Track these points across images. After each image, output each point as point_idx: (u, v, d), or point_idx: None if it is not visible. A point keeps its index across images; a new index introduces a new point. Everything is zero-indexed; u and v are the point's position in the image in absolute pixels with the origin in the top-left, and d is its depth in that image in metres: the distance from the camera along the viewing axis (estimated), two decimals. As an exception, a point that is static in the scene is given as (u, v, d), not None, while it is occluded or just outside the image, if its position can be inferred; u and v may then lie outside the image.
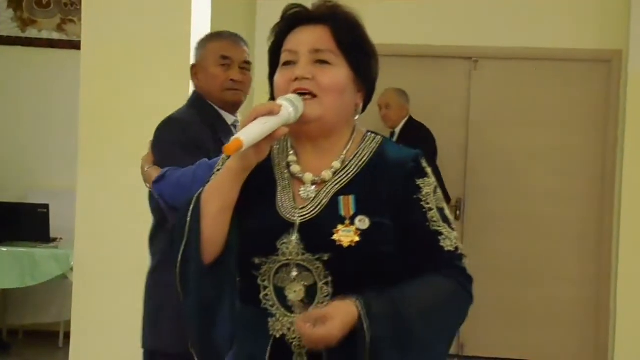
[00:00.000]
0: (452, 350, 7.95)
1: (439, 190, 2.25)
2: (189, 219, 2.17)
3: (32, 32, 8.12)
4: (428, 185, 2.23)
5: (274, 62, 2.29)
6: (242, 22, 7.59)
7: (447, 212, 2.24)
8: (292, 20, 2.28)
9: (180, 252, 2.18)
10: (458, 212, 8.02)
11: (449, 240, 2.20)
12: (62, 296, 7.25)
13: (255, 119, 2.09)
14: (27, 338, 7.94)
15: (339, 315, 2.05)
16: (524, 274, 7.97)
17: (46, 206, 7.48)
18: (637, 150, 7.60)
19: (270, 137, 2.11)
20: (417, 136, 7.35)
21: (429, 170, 2.25)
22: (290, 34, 2.26)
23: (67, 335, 6.22)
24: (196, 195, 2.20)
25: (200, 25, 4.84)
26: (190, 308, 2.22)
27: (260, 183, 2.22)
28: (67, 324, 6.26)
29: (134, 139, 4.55)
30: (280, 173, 2.26)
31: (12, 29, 8.13)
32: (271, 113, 2.10)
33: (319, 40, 2.22)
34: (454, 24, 7.99)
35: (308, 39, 2.23)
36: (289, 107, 2.13)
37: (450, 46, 8.02)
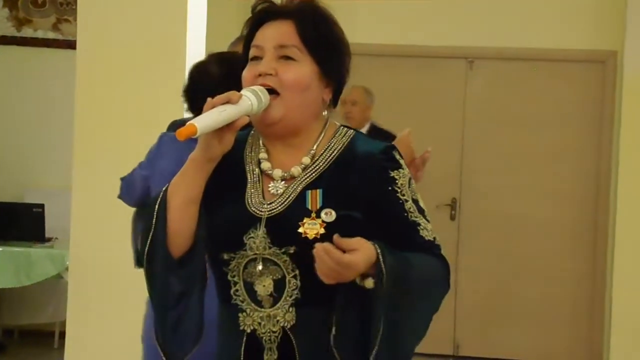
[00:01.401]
0: (447, 351, 7.96)
1: (412, 182, 2.25)
2: (155, 211, 2.17)
3: (27, 32, 8.12)
4: (403, 176, 2.22)
5: (246, 58, 2.29)
6: (237, 23, 7.58)
7: (422, 203, 2.24)
8: (260, 16, 2.27)
9: (147, 245, 2.18)
10: (453, 212, 8.03)
11: (426, 230, 2.21)
12: (57, 296, 7.24)
13: (213, 107, 2.09)
14: (22, 338, 7.94)
15: (364, 248, 2.04)
16: (519, 273, 7.98)
17: (41, 206, 7.47)
18: (632, 151, 7.61)
19: (231, 126, 2.12)
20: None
21: (402, 161, 2.25)
22: (259, 29, 2.26)
23: (62, 335, 6.21)
24: (164, 188, 2.20)
25: (196, 26, 4.84)
26: (156, 301, 2.22)
27: (231, 179, 2.23)
28: (63, 324, 6.25)
29: (129, 139, 4.57)
30: (251, 170, 2.26)
31: (7, 29, 8.13)
32: (229, 102, 2.10)
33: (283, 36, 2.22)
34: (449, 25, 8.00)
35: (273, 35, 2.23)
36: (251, 97, 2.13)
37: (446, 47, 8.02)
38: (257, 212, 2.19)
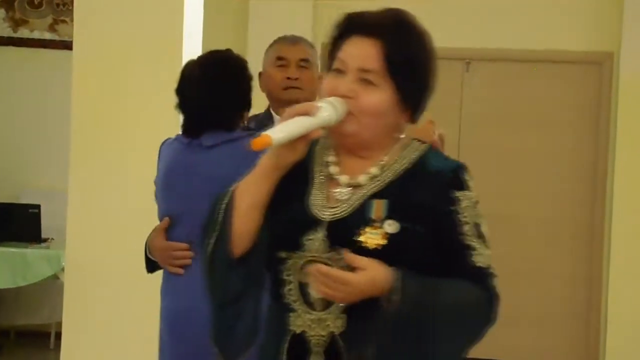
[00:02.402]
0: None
1: (478, 206, 2.25)
2: (222, 212, 2.18)
3: (24, 32, 8.12)
4: (468, 198, 2.22)
5: (331, 59, 2.26)
6: (233, 22, 7.59)
7: (485, 229, 2.23)
8: (348, 27, 2.24)
9: (211, 244, 2.19)
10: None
11: (481, 256, 2.20)
12: (53, 297, 7.23)
13: (291, 117, 2.09)
14: (18, 339, 7.94)
15: (371, 269, 2.06)
16: (515, 274, 7.97)
17: (37, 206, 7.48)
18: (629, 152, 7.62)
19: (305, 138, 2.11)
20: None
21: (470, 183, 2.24)
22: (346, 40, 2.23)
23: (58, 336, 6.21)
24: (231, 189, 2.21)
25: (193, 26, 4.84)
26: (215, 299, 2.23)
27: (296, 179, 2.22)
28: (59, 324, 6.25)
29: (126, 140, 4.57)
30: (318, 171, 2.25)
31: (3, 29, 8.13)
32: (308, 114, 2.10)
33: (367, 58, 2.18)
34: (446, 26, 7.98)
35: (357, 55, 2.19)
36: (329, 109, 2.12)
37: (442, 48, 7.89)
38: (319, 215, 2.18)
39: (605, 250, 7.80)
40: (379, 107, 2.18)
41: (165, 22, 4.72)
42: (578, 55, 7.90)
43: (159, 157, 3.57)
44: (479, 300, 2.19)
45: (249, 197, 2.17)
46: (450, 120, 8.06)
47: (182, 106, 3.50)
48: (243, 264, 2.18)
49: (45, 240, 7.49)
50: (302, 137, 2.10)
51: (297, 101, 3.66)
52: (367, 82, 2.18)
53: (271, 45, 3.81)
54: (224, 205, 2.19)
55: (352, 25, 2.24)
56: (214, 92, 3.45)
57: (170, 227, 3.49)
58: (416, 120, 2.32)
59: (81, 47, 4.81)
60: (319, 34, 7.36)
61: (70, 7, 7.25)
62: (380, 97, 2.18)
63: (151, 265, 3.53)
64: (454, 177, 2.22)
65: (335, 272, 2.06)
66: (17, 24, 8.12)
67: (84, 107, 4.77)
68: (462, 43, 7.95)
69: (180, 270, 3.45)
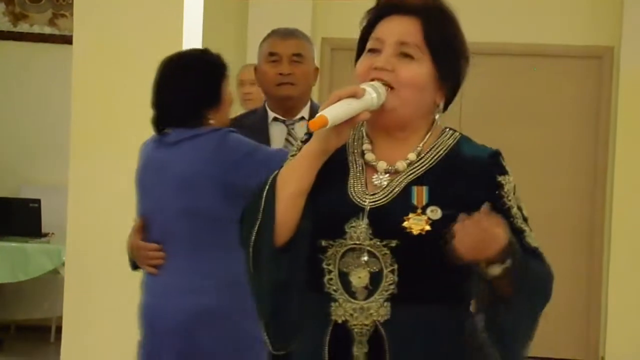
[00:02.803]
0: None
1: (517, 190, 2.25)
2: (263, 201, 2.17)
3: (23, 27, 8.11)
4: (509, 182, 2.23)
5: (361, 47, 2.26)
6: (234, 17, 7.58)
7: (525, 211, 2.25)
8: (385, 8, 2.25)
9: (254, 234, 2.17)
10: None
11: (531, 238, 2.21)
12: (53, 291, 7.23)
13: (338, 100, 2.09)
14: (18, 333, 7.94)
15: (504, 226, 2.05)
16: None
17: (38, 201, 7.48)
18: (629, 147, 7.63)
19: (351, 121, 2.11)
20: None
21: (509, 168, 2.25)
22: (381, 21, 2.23)
23: (58, 331, 6.22)
24: (271, 177, 2.19)
25: (193, 20, 4.84)
26: (261, 290, 2.22)
27: (333, 168, 2.20)
28: (59, 319, 6.26)
29: (126, 135, 4.57)
30: (354, 160, 2.25)
31: (3, 24, 8.12)
32: (355, 96, 2.10)
33: (406, 33, 2.20)
34: (446, 20, 7.99)
35: (396, 30, 2.20)
36: (372, 92, 2.13)
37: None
38: (361, 202, 2.17)
39: (606, 244, 7.81)
40: (418, 79, 2.19)
41: (165, 16, 4.72)
42: (578, 49, 7.90)
43: (139, 158, 3.58)
44: (548, 277, 2.22)
45: (293, 183, 2.16)
46: (449, 115, 8.03)
47: (153, 103, 3.51)
48: (284, 254, 2.17)
49: (45, 234, 7.49)
50: (348, 120, 2.10)
51: (290, 98, 3.66)
52: (405, 56, 2.19)
53: (264, 39, 3.77)
54: (265, 194, 2.17)
55: (389, 7, 2.24)
56: (177, 89, 3.45)
57: (147, 226, 3.49)
58: (448, 105, 2.32)
59: (81, 41, 4.81)
60: (318, 31, 7.37)
61: (70, 1, 7.26)
62: (419, 69, 2.19)
63: (133, 264, 3.55)
64: (493, 162, 2.24)
65: (487, 224, 2.02)
66: (16, 18, 8.11)
67: (84, 102, 4.77)
68: (462, 37, 7.94)
69: (154, 270, 3.45)
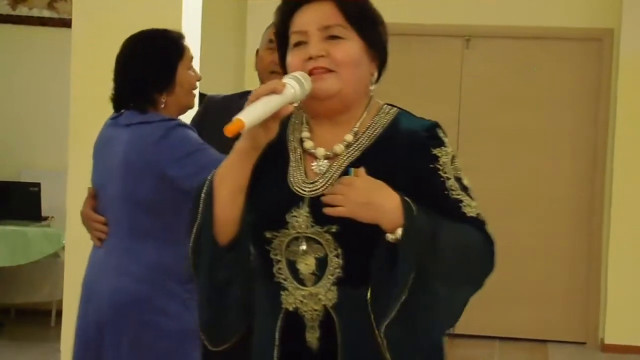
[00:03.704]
0: (444, 329, 7.97)
1: (456, 160, 2.25)
2: (201, 202, 2.19)
3: (22, 10, 8.09)
4: (445, 154, 2.23)
5: (283, 45, 2.29)
6: (233, 8, 7.56)
7: (467, 181, 2.25)
8: (294, 1, 2.27)
9: (193, 234, 2.21)
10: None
11: (470, 207, 2.22)
12: (54, 275, 7.25)
13: (258, 98, 2.09)
14: (19, 317, 7.96)
15: (376, 181, 2.10)
16: (515, 253, 7.99)
17: (38, 185, 7.48)
18: (628, 130, 7.63)
19: (276, 116, 2.11)
20: None
21: (445, 139, 2.25)
22: (295, 15, 2.26)
23: (59, 314, 6.23)
24: (209, 178, 2.21)
25: (192, 6, 4.82)
26: (202, 290, 2.24)
27: (273, 158, 2.23)
28: (59, 302, 6.27)
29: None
30: (293, 148, 2.27)
31: (2, 7, 8.10)
32: (274, 92, 2.10)
33: (326, 17, 2.22)
34: (446, 3, 7.98)
35: (315, 17, 2.23)
36: (294, 84, 2.13)
37: (442, 25, 8.01)
38: (300, 191, 2.20)
39: (605, 227, 7.82)
40: (353, 55, 2.22)
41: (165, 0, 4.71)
42: (578, 32, 7.89)
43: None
44: (481, 244, 2.20)
45: (230, 182, 2.17)
46: (450, 98, 8.06)
47: (114, 82, 3.49)
48: (229, 252, 2.19)
49: (45, 218, 7.50)
50: (273, 116, 2.10)
51: None
52: (333, 38, 2.21)
53: (268, 27, 3.79)
54: (203, 195, 2.19)
55: (299, 0, 2.27)
56: (130, 70, 3.44)
57: (96, 198, 3.52)
58: (381, 73, 2.34)
59: (80, 24, 4.79)
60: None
61: (69, -15, 7.23)
62: (351, 46, 2.23)
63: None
64: (429, 135, 2.24)
65: (341, 179, 2.11)
66: (15, 1, 8.09)
67: (83, 85, 4.76)
68: (462, 20, 7.94)
69: (98, 243, 3.48)
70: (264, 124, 2.10)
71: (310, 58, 2.19)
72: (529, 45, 8.00)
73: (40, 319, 7.73)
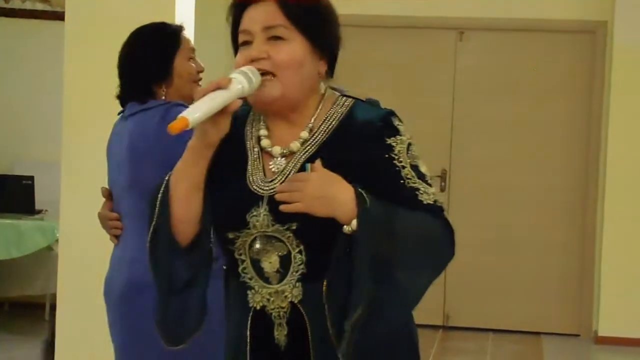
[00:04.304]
0: (437, 321, 7.99)
1: (413, 147, 2.23)
2: (158, 202, 2.19)
3: (15, 3, 8.07)
4: (401, 142, 2.20)
5: (235, 42, 2.28)
6: (226, 3, 7.57)
7: (424, 168, 2.22)
8: (240, 2, 2.26)
9: (149, 235, 2.20)
10: (443, 184, 8.04)
11: (427, 194, 2.18)
12: (47, 268, 7.24)
13: (204, 95, 2.07)
14: (12, 310, 7.95)
15: (328, 173, 2.09)
16: (509, 244, 8.00)
17: (31, 178, 7.46)
18: (622, 121, 7.64)
19: (224, 111, 2.09)
20: None
21: (401, 127, 2.23)
22: (244, 13, 2.24)
23: (53, 308, 6.22)
24: (165, 178, 2.21)
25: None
26: (159, 289, 2.24)
27: (232, 157, 2.23)
28: (53, 296, 6.26)
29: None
30: (251, 148, 2.26)
31: (-5, 0, 8.08)
32: (220, 88, 2.08)
33: (269, 17, 2.20)
34: (439, -5, 7.98)
35: (258, 18, 2.21)
36: (241, 79, 2.11)
37: (436, 17, 8.00)
38: (259, 190, 2.19)
39: (599, 218, 7.83)
40: (294, 57, 2.19)
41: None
42: (572, 24, 7.90)
43: None
44: (439, 230, 2.17)
45: (185, 181, 2.17)
46: (443, 90, 8.06)
47: (118, 79, 3.51)
48: (190, 252, 2.19)
49: (39, 211, 7.48)
50: (221, 112, 2.08)
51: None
52: (275, 39, 2.19)
53: None
54: (160, 195, 2.19)
55: (243, 1, 2.25)
56: (129, 64, 3.44)
57: (111, 197, 3.55)
58: (333, 68, 2.30)
59: (74, 17, 4.79)
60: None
61: (62, -22, 7.22)
62: (292, 47, 2.19)
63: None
64: (383, 125, 2.21)
65: (294, 175, 2.11)
66: (8, -6, 8.07)
67: (76, 78, 4.75)
68: (456, 12, 7.94)
69: (115, 240, 3.51)
70: (214, 120, 2.08)
71: (252, 60, 2.18)
72: (523, 38, 8.00)
73: (34, 312, 7.72)
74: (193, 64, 3.49)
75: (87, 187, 4.79)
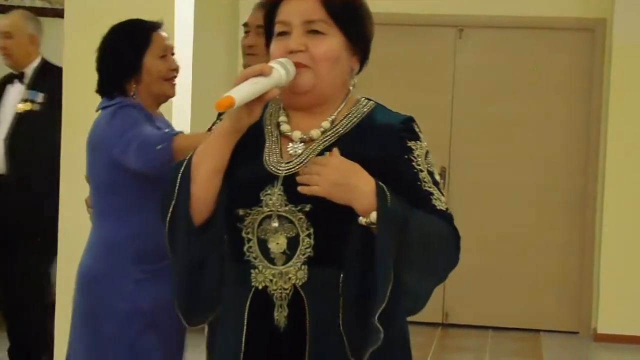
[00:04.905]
0: (436, 319, 7.99)
1: (430, 156, 2.28)
2: (178, 181, 2.22)
3: (14, 0, 8.06)
4: (420, 148, 2.26)
5: (269, 31, 2.32)
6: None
7: (438, 177, 2.28)
8: None
9: (169, 213, 2.23)
10: (442, 181, 8.03)
11: (439, 201, 2.23)
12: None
13: (246, 79, 2.12)
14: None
15: (350, 163, 2.14)
16: (508, 242, 8.01)
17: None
18: (621, 119, 7.64)
19: (261, 99, 2.15)
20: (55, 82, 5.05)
21: (421, 134, 2.29)
22: (282, 3, 2.28)
23: (52, 305, 6.21)
24: (187, 158, 2.24)
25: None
26: (178, 268, 2.26)
27: (250, 140, 2.25)
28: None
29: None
30: (270, 132, 2.30)
31: (-6, -3, 8.07)
32: (262, 74, 2.13)
33: (310, 11, 2.25)
34: (439, -7, 7.97)
35: (299, 10, 2.25)
36: (280, 69, 2.16)
37: (435, 15, 8.00)
38: (275, 170, 2.23)
39: (598, 216, 7.84)
40: (332, 52, 2.25)
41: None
42: (571, 21, 7.90)
43: None
44: (448, 234, 2.22)
45: (209, 162, 2.21)
46: (443, 88, 8.06)
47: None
48: (204, 231, 2.22)
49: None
50: (258, 99, 2.14)
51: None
52: (314, 33, 2.24)
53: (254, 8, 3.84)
54: (180, 175, 2.22)
55: None
56: (102, 59, 3.53)
57: None
58: (364, 65, 2.36)
59: (73, 15, 4.79)
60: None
61: (61, -25, 7.21)
62: (331, 42, 2.25)
63: None
64: (404, 127, 2.27)
65: (316, 158, 2.16)
66: (7, -9, 8.06)
67: (76, 76, 4.75)
68: (455, 10, 7.94)
69: (89, 223, 3.59)
70: (249, 106, 2.14)
71: (290, 51, 2.23)
72: (522, 35, 8.00)
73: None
74: (164, 62, 3.50)
75: (86, 188, 4.79)
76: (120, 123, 3.37)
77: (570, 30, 7.96)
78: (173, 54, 3.56)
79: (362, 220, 2.12)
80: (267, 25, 2.33)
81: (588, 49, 7.94)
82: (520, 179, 8.00)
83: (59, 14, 6.40)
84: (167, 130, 3.47)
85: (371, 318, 2.09)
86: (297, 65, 2.21)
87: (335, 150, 2.16)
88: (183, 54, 3.68)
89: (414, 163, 2.23)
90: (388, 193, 2.12)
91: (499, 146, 8.01)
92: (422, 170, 2.24)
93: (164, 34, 3.55)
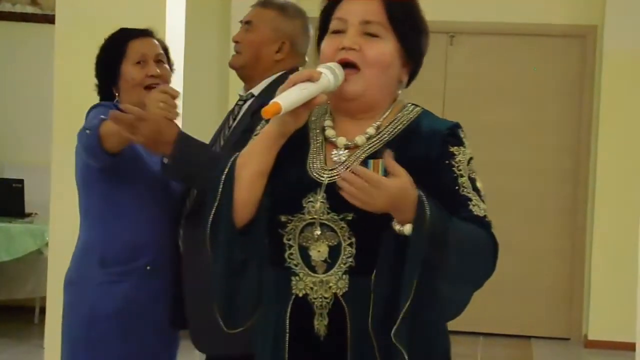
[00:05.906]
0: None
1: (473, 162, 2.27)
2: (222, 182, 2.21)
3: (5, 6, 8.06)
4: (462, 154, 2.26)
5: (323, 28, 2.30)
6: (217, 4, 7.56)
7: (480, 184, 2.27)
8: None
9: (212, 215, 2.22)
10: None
11: (478, 207, 2.23)
12: (37, 272, 7.21)
13: (294, 84, 2.12)
14: (2, 313, 7.91)
15: (404, 178, 2.06)
16: (500, 248, 7.99)
17: (21, 181, 7.45)
18: (612, 126, 7.65)
19: (308, 104, 2.14)
20: None
21: (465, 140, 2.27)
22: (342, 2, 2.27)
23: (42, 311, 6.21)
24: (231, 159, 2.23)
25: (175, 1, 4.81)
26: (218, 271, 2.25)
27: (294, 144, 2.24)
28: (43, 299, 6.25)
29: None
30: (314, 136, 2.29)
31: (-15, 3, 8.06)
32: (310, 80, 2.13)
33: (370, 12, 2.24)
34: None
35: (359, 10, 2.24)
36: (328, 74, 2.15)
37: (426, 21, 8.00)
38: (319, 177, 2.21)
39: (589, 223, 7.85)
40: (384, 56, 2.24)
41: (148, -4, 4.70)
42: (562, 28, 7.92)
43: None
44: (486, 243, 2.21)
45: (253, 165, 2.20)
46: (434, 94, 8.06)
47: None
48: (245, 235, 2.21)
49: (29, 215, 7.47)
50: (305, 104, 2.13)
51: (232, 66, 3.54)
52: (370, 35, 2.22)
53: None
54: (224, 177, 2.21)
55: None
56: (95, 67, 3.61)
57: None
58: (412, 80, 2.36)
59: (63, 21, 4.78)
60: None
61: (52, -19, 7.20)
62: (385, 47, 2.24)
63: None
64: (449, 133, 2.26)
65: (370, 172, 2.06)
66: (-2, -3, 8.05)
67: (67, 81, 4.74)
68: (447, 16, 7.94)
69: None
70: (295, 111, 2.13)
71: (343, 48, 2.21)
72: (514, 42, 8.01)
73: (24, 315, 7.70)
74: (140, 70, 3.48)
75: (77, 191, 4.78)
76: (86, 121, 3.41)
77: (561, 37, 7.98)
78: (160, 60, 3.52)
79: (396, 227, 2.10)
80: (323, 22, 2.31)
81: (579, 56, 7.95)
82: (511, 186, 8.00)
83: (49, 19, 6.40)
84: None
85: (418, 329, 2.10)
86: (346, 65, 2.18)
87: (388, 153, 2.08)
88: (174, 56, 3.66)
89: (454, 168, 2.22)
90: (428, 207, 2.07)
91: (490, 152, 8.01)
92: (462, 176, 2.23)
93: (147, 41, 3.53)
